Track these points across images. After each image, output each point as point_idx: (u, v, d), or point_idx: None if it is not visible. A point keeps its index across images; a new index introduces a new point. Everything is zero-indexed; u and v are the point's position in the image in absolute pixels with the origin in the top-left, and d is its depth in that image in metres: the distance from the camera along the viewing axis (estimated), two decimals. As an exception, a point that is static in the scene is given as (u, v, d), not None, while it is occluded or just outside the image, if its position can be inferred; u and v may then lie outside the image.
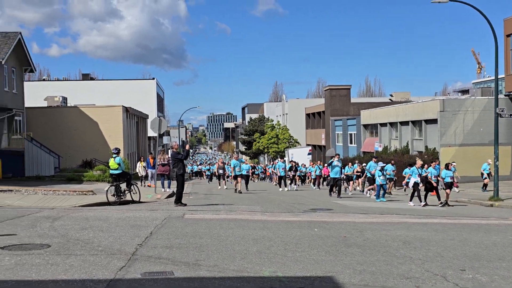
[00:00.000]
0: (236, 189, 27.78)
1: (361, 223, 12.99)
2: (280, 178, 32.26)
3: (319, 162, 40.63)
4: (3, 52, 35.54)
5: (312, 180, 38.75)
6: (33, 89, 60.43)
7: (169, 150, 24.31)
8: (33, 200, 17.67)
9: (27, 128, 41.98)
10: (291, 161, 37.92)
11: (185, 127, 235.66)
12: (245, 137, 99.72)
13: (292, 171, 34.31)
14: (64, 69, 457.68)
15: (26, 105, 42.96)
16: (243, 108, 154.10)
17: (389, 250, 9.05)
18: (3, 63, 35.25)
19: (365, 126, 54.66)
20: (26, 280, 6.46)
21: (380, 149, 40.99)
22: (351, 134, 58.81)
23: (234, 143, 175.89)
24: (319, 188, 36.08)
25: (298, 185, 37.27)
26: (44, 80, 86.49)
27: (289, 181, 33.92)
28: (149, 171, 28.80)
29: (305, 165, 43.21)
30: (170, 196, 22.11)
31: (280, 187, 31.99)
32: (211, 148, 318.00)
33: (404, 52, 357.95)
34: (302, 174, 40.71)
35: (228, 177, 35.10)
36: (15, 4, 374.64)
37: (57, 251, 8.25)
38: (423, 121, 40.98)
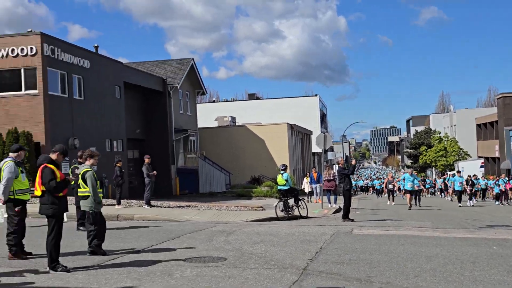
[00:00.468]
0: (409, 206, 26.65)
1: (547, 241, 11.92)
2: (458, 193, 30.46)
3: (503, 175, 37.68)
4: (178, 78, 38.37)
5: (495, 195, 35.92)
6: (204, 111, 64.25)
7: (334, 166, 24.37)
8: (208, 215, 18.72)
9: (200, 147, 44.72)
10: (473, 175, 35.46)
11: (348, 142, 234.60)
12: (411, 150, 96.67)
13: (469, 186, 32.19)
14: (232, 90, 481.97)
15: (199, 125, 45.83)
16: (407, 121, 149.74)
17: None
18: (178, 87, 38.04)
19: (546, 135, 50.16)
20: (207, 291, 6.86)
21: None
22: (529, 145, 54.30)
23: (399, 157, 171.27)
24: (502, 204, 33.57)
25: (477, 201, 35.10)
26: (214, 101, 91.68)
27: (467, 197, 31.96)
28: (313, 186, 29.09)
29: (485, 178, 40.36)
30: (336, 211, 22.10)
31: (459, 202, 30.28)
32: (375, 162, 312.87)
33: None
34: (481, 188, 38.09)
35: (398, 191, 34.21)
36: (187, 33, 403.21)
37: (233, 264, 8.66)
38: None
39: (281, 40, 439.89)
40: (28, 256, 9.29)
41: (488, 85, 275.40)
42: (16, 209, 9.24)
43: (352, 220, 16.95)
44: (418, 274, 7.89)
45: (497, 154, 63.42)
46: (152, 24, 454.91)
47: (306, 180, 31.24)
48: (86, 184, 9.59)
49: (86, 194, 9.63)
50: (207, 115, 62.90)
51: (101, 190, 9.99)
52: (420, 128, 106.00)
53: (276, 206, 18.71)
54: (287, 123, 49.11)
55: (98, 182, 9.81)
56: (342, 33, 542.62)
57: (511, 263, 8.92)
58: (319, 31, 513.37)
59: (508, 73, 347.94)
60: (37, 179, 8.42)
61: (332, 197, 25.56)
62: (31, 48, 24.87)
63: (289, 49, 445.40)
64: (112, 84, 31.39)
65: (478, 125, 73.65)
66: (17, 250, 9.22)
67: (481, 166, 61.41)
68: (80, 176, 9.72)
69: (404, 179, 28.26)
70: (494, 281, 7.50)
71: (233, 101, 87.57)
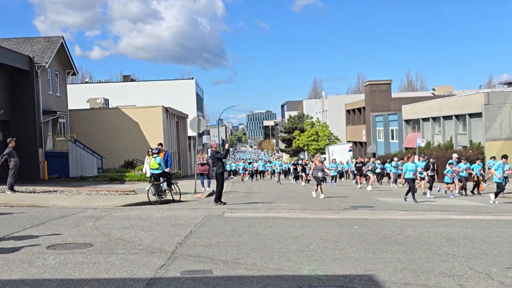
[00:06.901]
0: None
1: (403, 220, 12.80)
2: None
3: (378, 161, 38.79)
4: (47, 56, 36.37)
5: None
6: (76, 92, 61.58)
7: (209, 149, 24.34)
8: (77, 200, 18.02)
9: (71, 130, 42.87)
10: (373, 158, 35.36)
11: (225, 126, 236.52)
12: (285, 134, 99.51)
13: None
14: (106, 71, 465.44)
15: (70, 107, 43.89)
16: (282, 106, 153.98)
17: (431, 248, 8.87)
18: (46, 66, 36.08)
19: (407, 121, 53.86)
20: (69, 279, 6.59)
21: (422, 144, 40.26)
22: (392, 130, 58.05)
23: (274, 141, 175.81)
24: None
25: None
26: (86, 82, 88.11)
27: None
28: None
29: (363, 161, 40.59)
30: (210, 195, 22.21)
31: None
32: (251, 146, 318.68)
33: (447, 44, 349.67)
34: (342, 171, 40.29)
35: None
36: (58, 9, 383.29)
37: (99, 250, 8.39)
38: (467, 115, 40.13)
39: (158, 21, 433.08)
40: None
41: (357, 72, 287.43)
42: None
43: (225, 203, 17.11)
44: (283, 255, 8.12)
45: (364, 139, 67.23)
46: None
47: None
48: None
49: None
50: (79, 96, 60.44)
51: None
52: (294, 113, 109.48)
53: (148, 190, 18.44)
54: (162, 106, 48.45)
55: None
56: (220, 17, 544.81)
57: (369, 241, 9.45)
58: (196, 14, 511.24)
59: (375, 62, 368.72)
60: None
61: (205, 181, 25.63)
62: None
63: (166, 30, 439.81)
64: (-29, 61, 29.07)
65: (347, 111, 77.51)
66: None
67: (350, 150, 64.65)
68: None
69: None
70: (353, 258, 7.90)
71: (107, 82, 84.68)
